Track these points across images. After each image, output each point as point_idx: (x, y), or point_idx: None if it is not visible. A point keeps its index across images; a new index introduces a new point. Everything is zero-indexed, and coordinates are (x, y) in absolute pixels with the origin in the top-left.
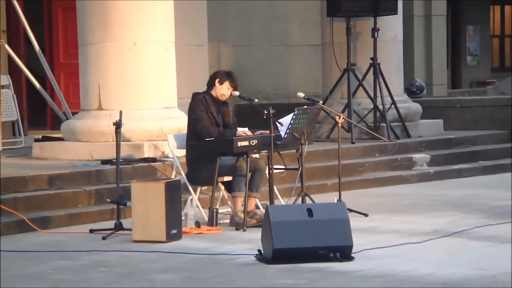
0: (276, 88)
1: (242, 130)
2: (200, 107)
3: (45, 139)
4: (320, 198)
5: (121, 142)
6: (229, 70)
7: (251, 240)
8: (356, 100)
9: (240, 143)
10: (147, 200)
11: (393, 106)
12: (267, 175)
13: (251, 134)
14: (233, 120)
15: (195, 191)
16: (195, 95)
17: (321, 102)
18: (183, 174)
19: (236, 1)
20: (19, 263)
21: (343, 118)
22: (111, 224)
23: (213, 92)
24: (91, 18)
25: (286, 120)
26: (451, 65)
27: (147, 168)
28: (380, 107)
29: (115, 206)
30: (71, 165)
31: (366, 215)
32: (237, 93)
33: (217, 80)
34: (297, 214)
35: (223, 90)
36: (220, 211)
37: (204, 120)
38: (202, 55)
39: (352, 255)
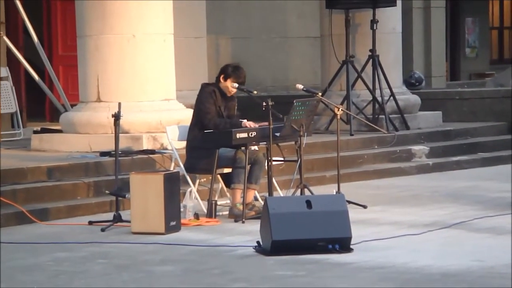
0: (275, 80)
1: (248, 122)
2: (209, 99)
3: (44, 131)
4: (319, 190)
5: (120, 134)
6: (237, 64)
7: (250, 232)
8: (355, 92)
9: (239, 135)
10: (146, 192)
11: (392, 98)
12: (266, 167)
13: (256, 126)
14: (237, 114)
15: (193, 183)
16: (205, 86)
17: (320, 94)
18: (182, 166)
19: None
20: (18, 254)
21: (342, 110)
22: (110, 216)
23: (220, 85)
24: (90, 10)
25: None
26: (450, 57)
27: (146, 160)
28: (379, 99)
29: (114, 198)
30: (70, 157)
31: (365, 206)
32: (236, 85)
33: (222, 76)
34: (296, 205)
35: (227, 87)
36: (219, 203)
37: (212, 113)
38: (201, 47)
39: (351, 246)
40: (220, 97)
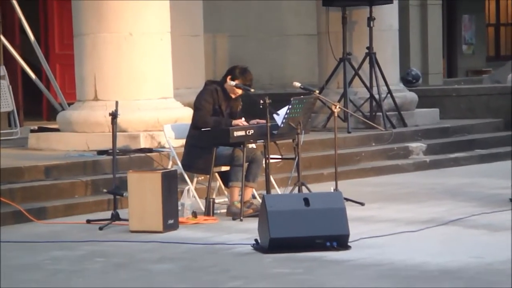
0: (272, 78)
1: (238, 121)
2: (207, 98)
3: (41, 129)
4: (316, 188)
5: (117, 133)
6: (245, 67)
7: (248, 230)
8: (352, 89)
9: (236, 133)
10: (143, 190)
11: (389, 95)
12: (264, 165)
13: (247, 124)
14: (239, 113)
15: (191, 181)
16: (208, 84)
17: (317, 91)
18: (180, 164)
19: None
20: (15, 253)
21: (339, 107)
22: (107, 214)
23: (226, 86)
24: (86, 8)
25: (283, 111)
26: (447, 54)
27: (144, 158)
28: (376, 96)
29: (111, 196)
30: (67, 155)
31: (362, 204)
32: (233, 83)
33: (228, 77)
34: (293, 203)
35: (232, 88)
36: (216, 201)
37: (204, 111)
38: (198, 45)
39: (349, 244)
40: (222, 96)
